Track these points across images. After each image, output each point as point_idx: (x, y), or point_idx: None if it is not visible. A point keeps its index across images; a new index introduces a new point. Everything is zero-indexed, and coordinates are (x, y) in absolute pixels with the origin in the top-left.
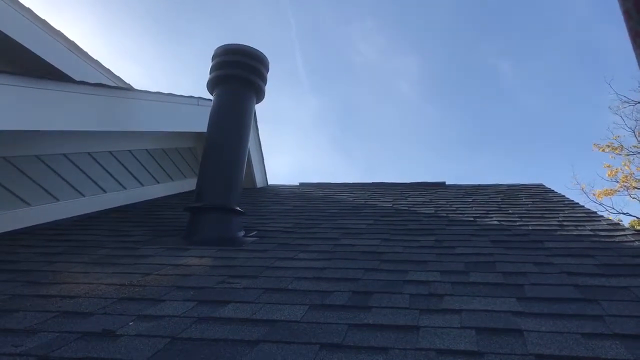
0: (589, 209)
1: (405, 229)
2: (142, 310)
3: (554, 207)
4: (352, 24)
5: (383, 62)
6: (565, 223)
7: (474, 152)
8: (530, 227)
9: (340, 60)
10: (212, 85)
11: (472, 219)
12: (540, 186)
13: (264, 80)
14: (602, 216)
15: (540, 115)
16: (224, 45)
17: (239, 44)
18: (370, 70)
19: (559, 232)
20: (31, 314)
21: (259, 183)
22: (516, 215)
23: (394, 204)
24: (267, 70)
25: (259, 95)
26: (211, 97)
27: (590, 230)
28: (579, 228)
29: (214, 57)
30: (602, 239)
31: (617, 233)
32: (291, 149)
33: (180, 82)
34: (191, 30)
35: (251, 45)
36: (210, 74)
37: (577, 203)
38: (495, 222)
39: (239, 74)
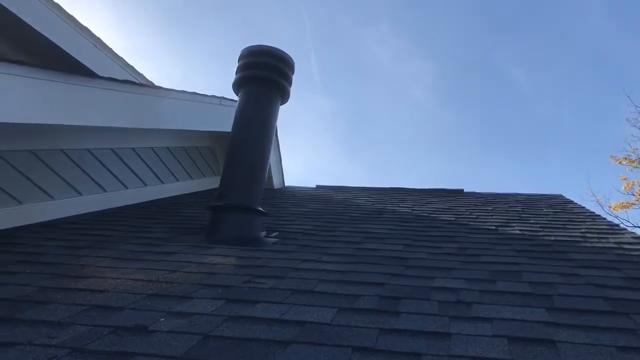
0: (611, 222)
1: (427, 236)
2: (171, 307)
3: (576, 219)
4: (367, 27)
5: (397, 66)
6: (588, 235)
7: (487, 159)
8: (552, 238)
9: (354, 63)
10: (237, 86)
11: (493, 227)
12: (559, 197)
13: (289, 82)
14: (625, 229)
15: (555, 124)
16: (250, 46)
17: (265, 45)
18: (384, 73)
19: (582, 244)
20: (62, 306)
21: (277, 184)
22: (538, 226)
23: (413, 210)
24: (293, 71)
25: (284, 96)
26: (233, 98)
27: (614, 242)
28: (602, 240)
29: (240, 58)
30: (627, 252)
31: None
32: (302, 150)
33: (192, 79)
34: (203, 28)
35: (277, 47)
36: (236, 74)
37: (599, 215)
38: (517, 232)
39: (265, 75)
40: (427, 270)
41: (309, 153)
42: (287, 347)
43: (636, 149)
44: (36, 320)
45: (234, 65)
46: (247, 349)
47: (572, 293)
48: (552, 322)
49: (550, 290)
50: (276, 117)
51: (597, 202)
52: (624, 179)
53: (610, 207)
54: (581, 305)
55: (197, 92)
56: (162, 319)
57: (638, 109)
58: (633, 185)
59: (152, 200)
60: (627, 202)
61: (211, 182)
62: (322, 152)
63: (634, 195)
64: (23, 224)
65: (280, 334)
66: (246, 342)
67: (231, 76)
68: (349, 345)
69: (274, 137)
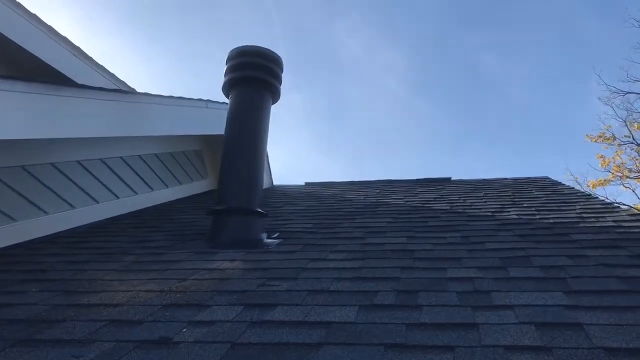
0: (604, 200)
1: (427, 226)
2: (191, 317)
3: (568, 200)
4: (337, 18)
5: (370, 57)
6: (584, 215)
7: (465, 146)
8: (551, 220)
9: (326, 56)
10: (228, 88)
11: (490, 213)
12: (545, 179)
13: (280, 81)
14: (619, 207)
15: (528, 107)
16: (239, 47)
17: (253, 45)
18: (357, 65)
19: (581, 224)
20: (80, 323)
21: (265, 184)
22: (533, 209)
23: (406, 201)
24: (282, 70)
25: (275, 96)
26: (218, 100)
27: (613, 221)
28: (601, 220)
29: (228, 60)
30: (628, 230)
31: None
32: (278, 148)
33: (161, 83)
34: (170, 28)
35: (265, 46)
36: (225, 76)
37: (590, 194)
38: (515, 216)
39: (255, 76)
40: (437, 261)
41: (285, 150)
42: (319, 350)
43: (610, 126)
44: (56, 339)
45: (206, 65)
46: (279, 355)
47: (585, 274)
48: (573, 305)
49: (562, 273)
50: (269, 117)
51: (576, 181)
52: (601, 157)
53: (588, 185)
54: (596, 286)
55: (183, 96)
56: (185, 330)
57: (609, 87)
58: (609, 162)
59: (143, 209)
60: (604, 180)
61: (200, 187)
62: (299, 148)
63: (610, 172)
64: (19, 241)
65: (308, 337)
66: (276, 347)
67: (204, 77)
68: (380, 343)
69: (267, 137)
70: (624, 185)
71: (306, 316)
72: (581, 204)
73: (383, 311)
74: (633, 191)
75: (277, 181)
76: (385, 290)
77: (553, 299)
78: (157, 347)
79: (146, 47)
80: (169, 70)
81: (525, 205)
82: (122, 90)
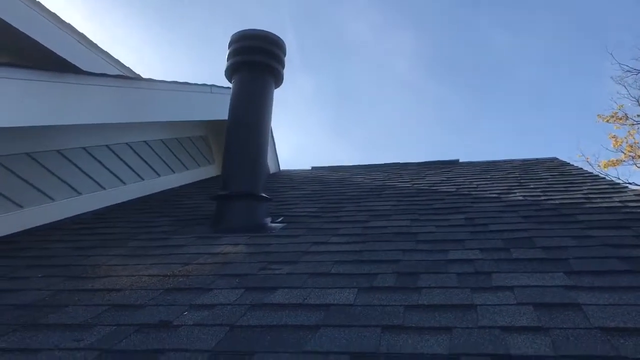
0: (611, 180)
1: (432, 209)
2: (192, 300)
3: (575, 180)
4: (344, 1)
5: (378, 40)
6: (591, 195)
7: (477, 126)
8: (557, 201)
9: (334, 39)
10: (230, 72)
11: (495, 195)
12: (554, 160)
13: (282, 65)
14: (626, 187)
15: (541, 87)
16: (242, 31)
17: (255, 29)
18: (366, 48)
19: (587, 205)
20: (82, 308)
21: (272, 168)
22: (539, 190)
23: (413, 184)
24: (285, 54)
25: (278, 80)
26: (223, 85)
27: (619, 201)
28: (607, 200)
29: (231, 44)
30: (633, 210)
31: None
32: (288, 132)
33: (168, 67)
34: (179, 13)
35: (266, 30)
36: (228, 60)
37: (598, 175)
38: (520, 198)
39: (258, 60)
40: (439, 243)
41: (295, 134)
42: (316, 332)
43: (622, 106)
44: (58, 324)
45: (211, 50)
46: (276, 337)
47: (587, 255)
48: (573, 285)
49: (565, 254)
50: (272, 102)
51: (587, 161)
52: (613, 137)
53: (599, 165)
54: (598, 266)
55: (188, 81)
56: (186, 313)
57: (622, 66)
58: (622, 142)
59: (150, 194)
60: (616, 160)
61: (206, 172)
62: (309, 132)
63: (622, 152)
64: (25, 227)
65: (307, 319)
66: (274, 329)
67: (212, 63)
68: (377, 324)
69: (270, 121)
70: (636, 165)
71: (305, 299)
72: (588, 184)
73: (382, 293)
74: None
75: (284, 166)
76: (386, 273)
77: (553, 279)
78: (157, 330)
79: (155, 34)
80: (178, 57)
81: (532, 186)
82: (127, 76)
